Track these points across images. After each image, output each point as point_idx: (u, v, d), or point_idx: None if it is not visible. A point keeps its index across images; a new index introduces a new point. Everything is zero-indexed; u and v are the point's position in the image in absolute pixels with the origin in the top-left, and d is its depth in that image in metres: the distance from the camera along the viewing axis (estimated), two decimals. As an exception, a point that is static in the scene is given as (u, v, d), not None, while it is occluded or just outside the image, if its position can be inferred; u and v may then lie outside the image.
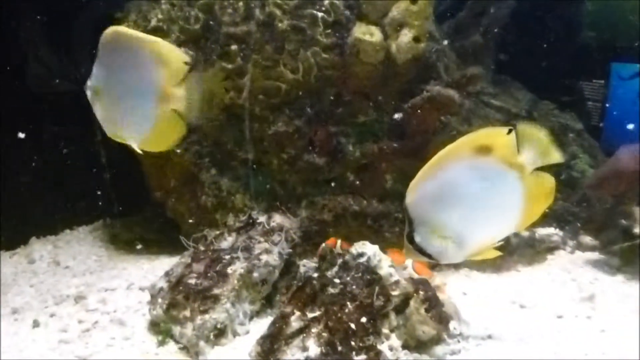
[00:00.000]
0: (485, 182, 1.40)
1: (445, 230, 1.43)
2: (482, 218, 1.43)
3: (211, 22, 2.15)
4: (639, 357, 1.52)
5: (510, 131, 1.37)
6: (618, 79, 2.86)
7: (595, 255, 2.39)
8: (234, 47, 2.13)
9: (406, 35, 2.13)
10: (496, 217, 1.43)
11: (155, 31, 2.19)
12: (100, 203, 2.92)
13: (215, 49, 2.14)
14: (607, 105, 2.92)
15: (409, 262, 1.84)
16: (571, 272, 2.26)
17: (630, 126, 2.74)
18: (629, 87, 2.82)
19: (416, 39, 2.15)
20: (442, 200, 1.41)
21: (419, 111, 2.16)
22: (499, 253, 1.48)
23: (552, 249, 2.42)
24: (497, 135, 1.39)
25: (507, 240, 2.27)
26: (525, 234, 2.33)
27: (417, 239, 1.44)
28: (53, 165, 2.80)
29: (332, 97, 2.18)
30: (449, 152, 1.40)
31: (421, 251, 1.46)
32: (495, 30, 2.76)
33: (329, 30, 2.14)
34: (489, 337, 1.74)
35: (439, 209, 1.42)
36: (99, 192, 2.89)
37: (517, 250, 2.31)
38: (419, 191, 1.42)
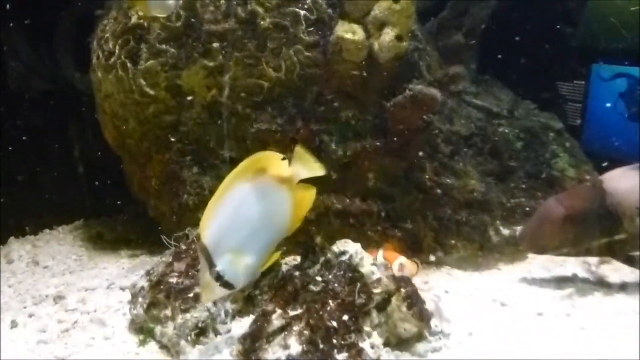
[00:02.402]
0: (263, 198, 1.53)
1: (240, 253, 1.51)
2: (265, 232, 1.54)
3: (192, 20, 2.13)
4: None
5: (284, 159, 1.55)
6: (599, 80, 2.90)
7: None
8: (215, 44, 2.11)
9: (389, 34, 2.14)
10: (273, 226, 1.56)
11: (136, 28, 2.17)
12: (80, 202, 2.90)
13: (196, 46, 2.13)
14: (588, 105, 2.95)
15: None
16: (551, 270, 2.28)
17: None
18: (609, 88, 2.86)
19: (399, 38, 2.15)
20: (232, 225, 1.50)
21: (401, 110, 2.16)
22: (278, 254, 1.60)
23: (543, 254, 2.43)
24: (271, 159, 1.55)
25: (488, 238, 2.32)
26: (506, 232, 2.35)
27: (221, 272, 1.49)
28: (32, 164, 2.77)
29: (314, 96, 2.18)
30: (230, 179, 1.52)
31: (226, 283, 1.50)
32: (478, 29, 2.78)
33: (312, 29, 2.13)
34: (470, 334, 1.75)
35: (231, 234, 1.50)
36: (79, 191, 2.86)
37: (498, 249, 2.33)
38: (211, 226, 1.48)
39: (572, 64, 3.01)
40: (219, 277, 1.49)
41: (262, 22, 2.11)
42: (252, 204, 1.52)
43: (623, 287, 2.11)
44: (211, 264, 1.48)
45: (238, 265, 1.50)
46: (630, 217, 1.97)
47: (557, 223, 2.03)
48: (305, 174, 1.57)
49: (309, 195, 1.61)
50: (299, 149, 1.58)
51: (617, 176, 2.03)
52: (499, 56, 2.90)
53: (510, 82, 2.92)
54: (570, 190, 2.19)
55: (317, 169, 1.58)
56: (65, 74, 2.81)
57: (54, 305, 2.06)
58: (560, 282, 2.17)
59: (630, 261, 2.06)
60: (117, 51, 2.19)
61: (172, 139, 2.23)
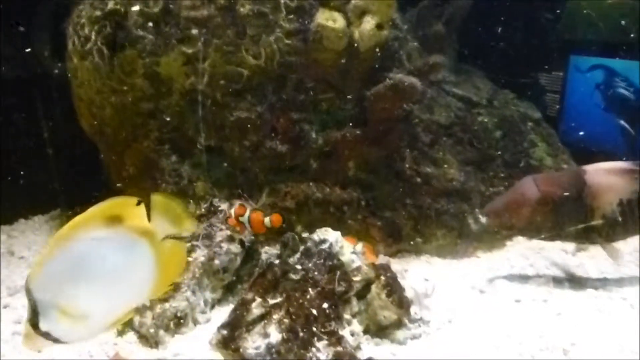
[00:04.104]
0: (115, 253, 1.35)
1: (75, 309, 1.32)
2: (113, 290, 1.36)
3: (171, 5, 2.09)
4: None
5: (139, 202, 1.36)
6: (576, 71, 2.93)
7: (551, 241, 2.44)
8: (194, 31, 2.08)
9: (369, 23, 2.13)
10: (128, 286, 1.38)
11: (113, 14, 2.13)
12: (57, 191, 2.85)
13: (175, 33, 2.09)
14: (566, 96, 2.99)
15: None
16: (529, 257, 2.31)
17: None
18: (586, 80, 2.89)
19: (379, 26, 2.14)
20: (69, 277, 1.31)
21: (381, 99, 2.16)
22: (132, 315, 1.45)
23: (510, 235, 2.45)
24: (127, 205, 1.36)
25: (467, 227, 2.34)
26: (485, 220, 2.37)
27: (43, 324, 1.30)
28: (6, 153, 2.71)
29: (294, 84, 2.16)
30: (75, 225, 1.32)
31: (48, 336, 1.32)
32: (457, 19, 2.78)
33: (292, 16, 2.12)
34: (450, 321, 1.77)
35: (66, 287, 1.31)
36: (55, 180, 2.81)
37: (477, 237, 2.35)
38: (43, 272, 1.30)
39: (551, 55, 3.04)
40: (41, 332, 1.30)
41: (241, 9, 2.08)
42: (99, 258, 1.32)
43: (598, 273, 2.15)
44: (34, 312, 1.29)
45: (68, 323, 1.31)
46: (604, 212, 1.96)
47: (529, 204, 1.98)
48: (170, 229, 1.39)
49: (179, 252, 1.43)
50: (158, 199, 1.39)
51: (601, 170, 2.00)
52: (479, 46, 2.91)
53: (489, 72, 2.93)
54: (549, 174, 2.13)
55: (186, 223, 1.41)
56: (39, 60, 2.75)
57: (30, 296, 2.02)
58: (538, 269, 2.20)
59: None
60: (93, 37, 2.15)
61: (150, 127, 2.19)
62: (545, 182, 2.01)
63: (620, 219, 1.97)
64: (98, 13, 2.14)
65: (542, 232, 2.02)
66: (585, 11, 2.87)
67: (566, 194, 1.97)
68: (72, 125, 2.46)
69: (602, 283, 2.05)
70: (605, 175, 1.99)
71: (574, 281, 2.08)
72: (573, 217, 1.98)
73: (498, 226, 2.09)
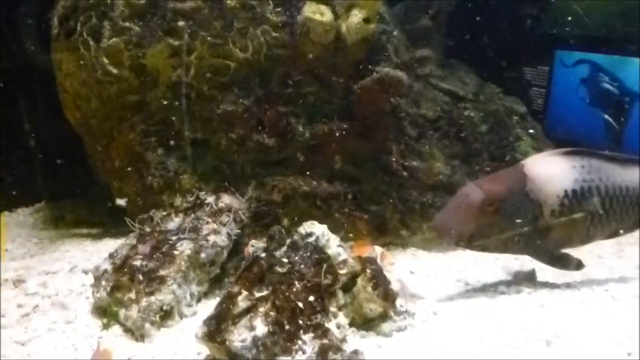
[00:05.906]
0: None
1: None
2: None
3: (157, -4, 2.08)
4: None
5: None
6: (562, 66, 2.95)
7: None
8: (181, 23, 2.07)
9: (356, 16, 2.13)
10: None
11: (98, 5, 2.11)
12: (41, 184, 2.83)
13: (161, 24, 2.08)
14: (551, 90, 3.01)
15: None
16: (514, 250, 2.33)
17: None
18: (572, 74, 2.92)
19: (366, 20, 2.15)
20: None
21: (368, 92, 2.16)
22: None
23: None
24: None
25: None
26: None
27: None
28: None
29: (281, 77, 2.16)
30: None
31: None
32: (444, 13, 2.79)
33: (279, 9, 2.11)
34: (435, 313, 1.78)
35: None
36: (40, 173, 2.79)
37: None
38: None
39: (537, 50, 3.06)
40: None
41: (228, 1, 2.07)
42: None
43: (579, 266, 2.17)
44: None
45: None
46: (551, 207, 1.82)
47: (474, 208, 1.77)
48: None
49: None
50: None
51: (539, 161, 1.88)
52: (465, 40, 2.92)
53: (475, 66, 2.94)
54: (490, 175, 1.94)
55: None
56: (23, 51, 2.72)
57: (14, 289, 2.01)
58: (522, 261, 2.21)
59: (556, 261, 1.93)
60: (78, 28, 2.13)
61: (136, 120, 2.18)
62: (486, 182, 1.85)
63: (570, 214, 1.83)
64: (83, 3, 2.13)
65: (492, 240, 1.83)
66: (570, 6, 2.89)
67: (510, 191, 1.80)
68: (57, 117, 2.44)
69: (585, 275, 2.07)
70: (545, 165, 1.86)
71: (558, 273, 2.10)
72: (522, 216, 1.81)
73: (446, 239, 1.88)
